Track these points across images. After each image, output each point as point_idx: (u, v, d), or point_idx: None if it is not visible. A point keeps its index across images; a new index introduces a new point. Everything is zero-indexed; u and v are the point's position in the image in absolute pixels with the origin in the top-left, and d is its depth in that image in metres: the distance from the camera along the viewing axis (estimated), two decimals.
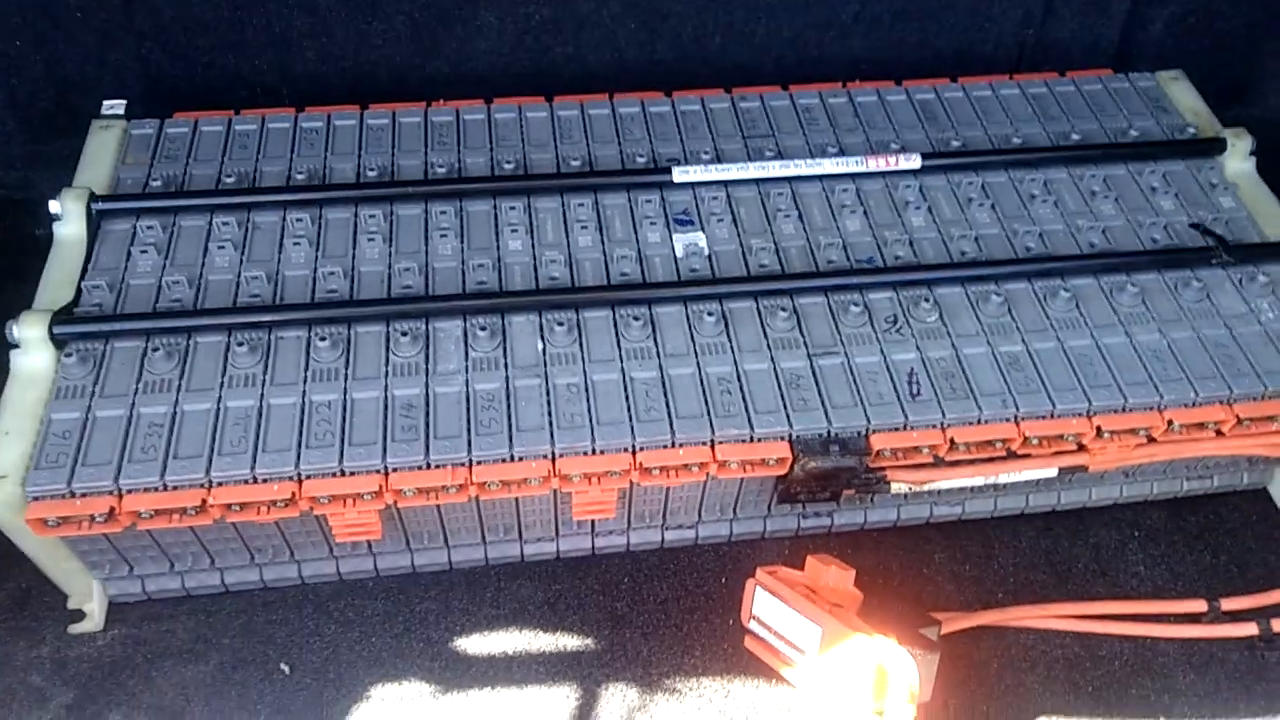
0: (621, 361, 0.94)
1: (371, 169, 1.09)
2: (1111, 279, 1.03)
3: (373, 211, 1.04)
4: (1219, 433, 0.96)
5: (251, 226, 1.03)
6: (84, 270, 0.98)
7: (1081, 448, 0.95)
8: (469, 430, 0.88)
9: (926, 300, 0.99)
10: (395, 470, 0.86)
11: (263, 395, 0.90)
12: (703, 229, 1.06)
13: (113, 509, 0.83)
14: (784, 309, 0.97)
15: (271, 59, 1.31)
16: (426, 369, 0.92)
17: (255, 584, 0.99)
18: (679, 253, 1.03)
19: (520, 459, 0.88)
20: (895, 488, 0.95)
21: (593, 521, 1.00)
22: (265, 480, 0.85)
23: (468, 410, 0.90)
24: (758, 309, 0.99)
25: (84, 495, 0.83)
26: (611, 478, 0.89)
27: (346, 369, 0.92)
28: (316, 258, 1.01)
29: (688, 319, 0.97)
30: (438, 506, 0.92)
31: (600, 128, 1.16)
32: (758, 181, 1.10)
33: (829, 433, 0.91)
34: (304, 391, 0.90)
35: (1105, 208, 1.10)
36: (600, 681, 0.94)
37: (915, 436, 0.91)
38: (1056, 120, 1.20)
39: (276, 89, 1.33)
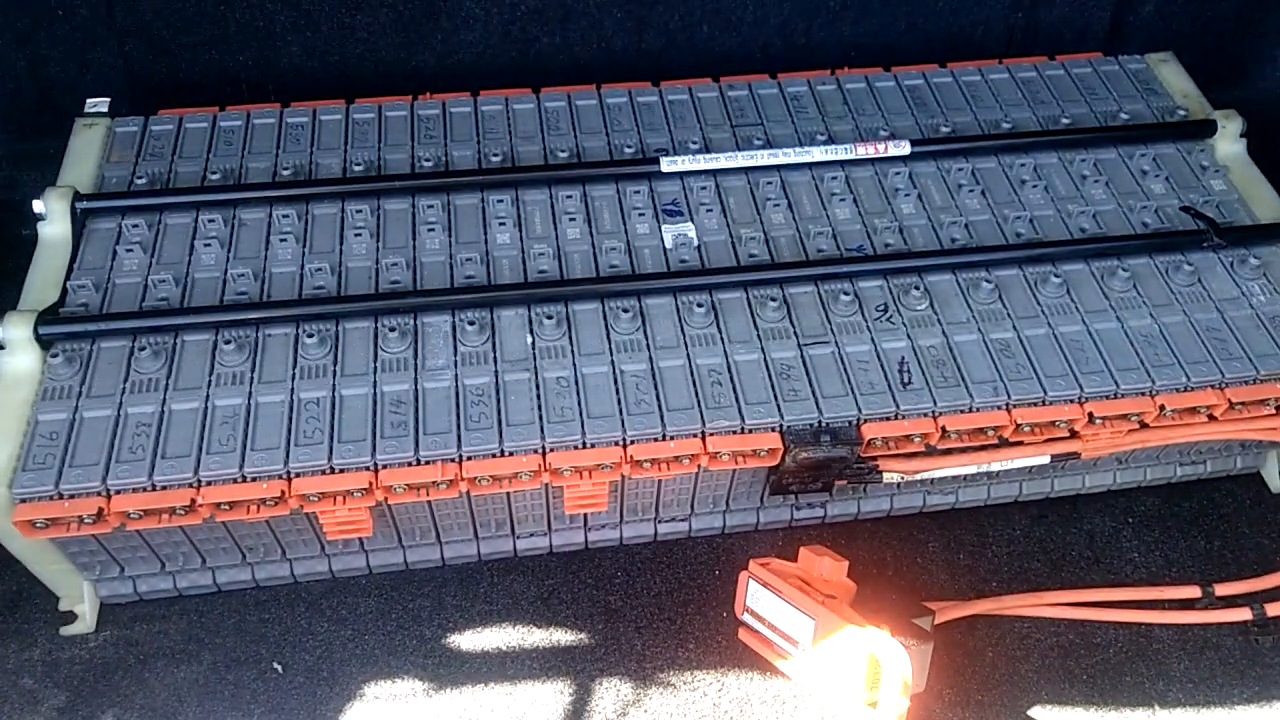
0: (611, 354, 0.93)
1: (358, 164, 1.09)
2: (1102, 264, 1.03)
3: (359, 207, 1.04)
4: (1211, 417, 0.96)
5: (238, 223, 1.03)
6: (69, 270, 0.97)
7: (1074, 434, 0.95)
8: (459, 425, 0.88)
9: (917, 288, 0.98)
10: (385, 467, 0.86)
11: (251, 393, 0.89)
12: (692, 219, 1.05)
13: (101, 510, 0.82)
14: (774, 299, 0.97)
15: (255, 54, 1.30)
16: (415, 364, 0.92)
17: (247, 583, 0.98)
18: (668, 244, 1.03)
19: (511, 454, 0.87)
20: (888, 477, 0.95)
21: (585, 515, 0.99)
22: (254, 479, 0.84)
23: (457, 405, 0.89)
24: (747, 299, 0.98)
25: (72, 496, 0.82)
26: (603, 471, 0.89)
27: (335, 366, 0.91)
28: (303, 254, 1.00)
29: (677, 310, 0.97)
30: (429, 503, 0.92)
31: (588, 119, 1.16)
32: (746, 170, 1.10)
33: (820, 423, 0.90)
34: (292, 389, 0.90)
35: (1096, 192, 1.10)
36: (594, 676, 0.94)
37: (907, 425, 0.91)
38: (1046, 104, 1.20)
39: (261, 84, 1.32)
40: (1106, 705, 0.94)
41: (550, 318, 0.94)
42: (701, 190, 1.07)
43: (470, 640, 0.96)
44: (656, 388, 0.91)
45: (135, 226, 1.01)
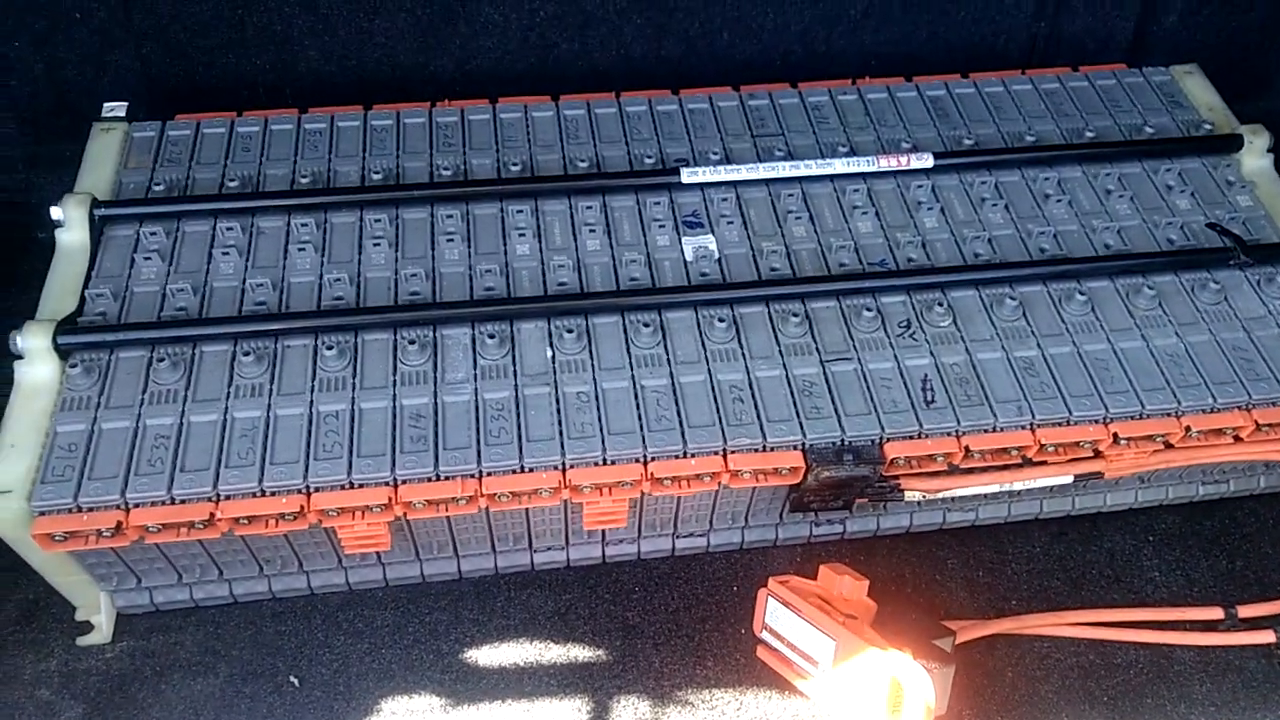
0: (632, 369, 0.93)
1: (376, 171, 1.08)
2: (1127, 281, 1.02)
3: (378, 215, 1.03)
4: (1237, 438, 0.95)
5: (256, 231, 1.02)
6: (87, 278, 0.97)
7: (1098, 454, 0.94)
8: (478, 440, 0.87)
9: (940, 304, 0.98)
10: (404, 482, 0.85)
11: (270, 406, 0.89)
12: (712, 231, 1.04)
13: (120, 523, 0.82)
14: (796, 314, 0.96)
15: (273, 58, 1.29)
16: (435, 378, 0.91)
17: (264, 595, 0.98)
18: (688, 256, 1.02)
19: (530, 470, 0.87)
20: (909, 496, 0.94)
21: (603, 530, 0.99)
22: (273, 493, 0.84)
23: (477, 420, 0.89)
24: (769, 314, 0.97)
25: (90, 510, 0.82)
26: (623, 488, 0.88)
27: (354, 378, 0.91)
28: (322, 263, 1.00)
29: (698, 324, 0.96)
30: (447, 517, 0.91)
31: (607, 127, 1.15)
32: (767, 182, 1.09)
33: (843, 441, 0.89)
34: (311, 401, 0.89)
35: (1120, 207, 1.09)
36: (611, 693, 0.93)
37: (930, 445, 0.90)
38: (1070, 117, 1.18)
39: (279, 88, 1.31)
40: None
41: (570, 331, 0.93)
42: (722, 201, 1.07)
43: (487, 655, 0.96)
44: (677, 403, 0.90)
45: (153, 234, 1.00)
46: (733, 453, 0.88)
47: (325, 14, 1.26)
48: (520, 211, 1.04)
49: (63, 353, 0.90)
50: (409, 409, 0.89)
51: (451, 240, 1.02)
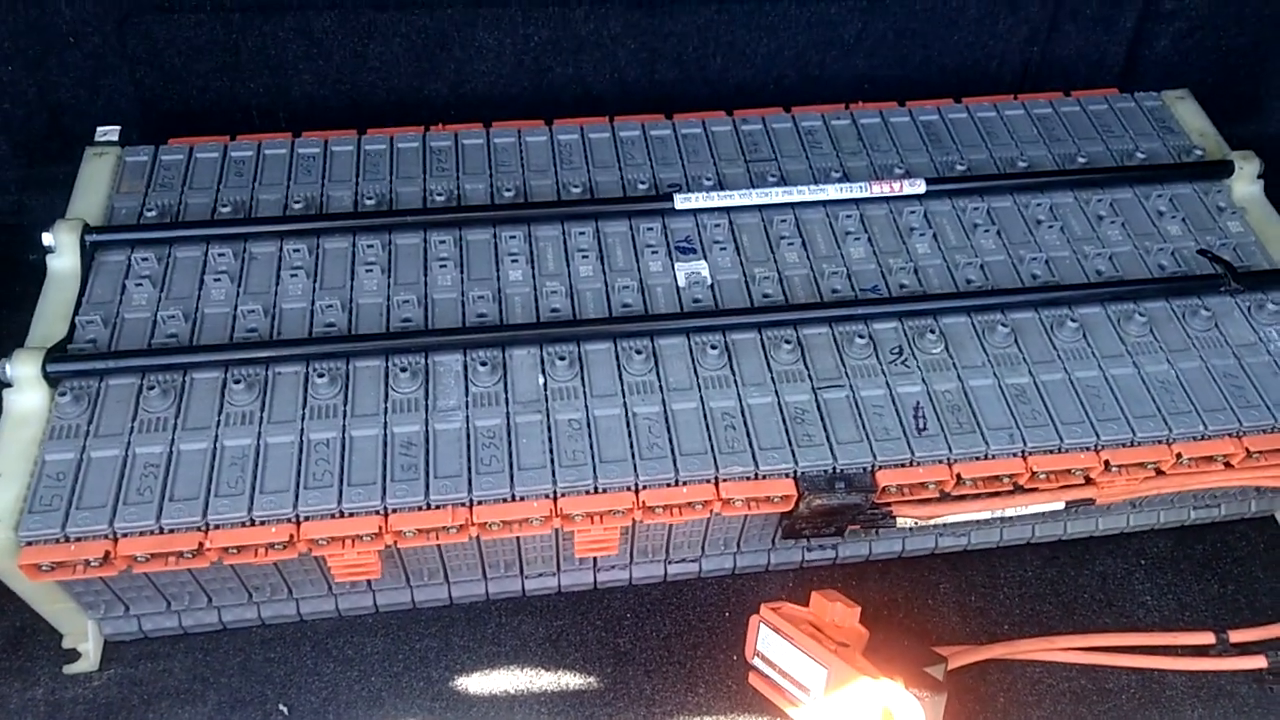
0: (624, 396, 0.93)
1: (369, 197, 1.08)
2: (1119, 308, 1.02)
3: (371, 241, 1.03)
4: (1228, 465, 0.95)
5: (248, 257, 1.02)
6: (78, 305, 0.97)
7: (1089, 481, 0.94)
8: (469, 469, 0.87)
9: (932, 331, 0.98)
10: (395, 511, 0.85)
11: (260, 434, 0.88)
12: (705, 257, 1.05)
13: (108, 553, 0.81)
14: (788, 340, 0.96)
15: (267, 82, 1.29)
16: (426, 405, 0.91)
17: (253, 621, 0.98)
18: (681, 282, 1.02)
19: (521, 499, 0.86)
20: (901, 522, 0.94)
21: (594, 557, 0.98)
22: (263, 522, 0.84)
23: (468, 448, 0.88)
24: (761, 341, 0.97)
25: (78, 539, 0.82)
26: (614, 516, 0.88)
27: (345, 406, 0.91)
28: (314, 290, 1.00)
29: (690, 351, 0.96)
30: (438, 545, 0.91)
31: (601, 152, 1.15)
32: (760, 208, 1.09)
33: (835, 469, 0.89)
34: (302, 430, 0.89)
35: (1112, 233, 1.09)
36: None
37: (922, 473, 0.90)
38: (1062, 142, 1.19)
39: (272, 111, 1.32)
40: None
41: (563, 358, 0.93)
42: (715, 227, 1.07)
43: (478, 683, 0.95)
44: (669, 431, 0.90)
45: (145, 260, 1.00)
46: (725, 481, 0.88)
47: (319, 39, 1.26)
48: (513, 237, 1.04)
49: (52, 380, 0.89)
50: (400, 436, 0.89)
51: (444, 266, 1.02)
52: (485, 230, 1.06)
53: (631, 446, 0.89)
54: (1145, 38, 1.42)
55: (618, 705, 0.94)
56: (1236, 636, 1.00)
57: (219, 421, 0.89)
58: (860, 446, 0.90)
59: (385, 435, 0.89)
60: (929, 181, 1.10)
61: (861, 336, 0.97)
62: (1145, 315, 1.00)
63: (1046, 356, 0.98)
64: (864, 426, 0.92)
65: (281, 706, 0.93)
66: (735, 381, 0.94)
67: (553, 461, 0.88)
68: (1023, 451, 0.92)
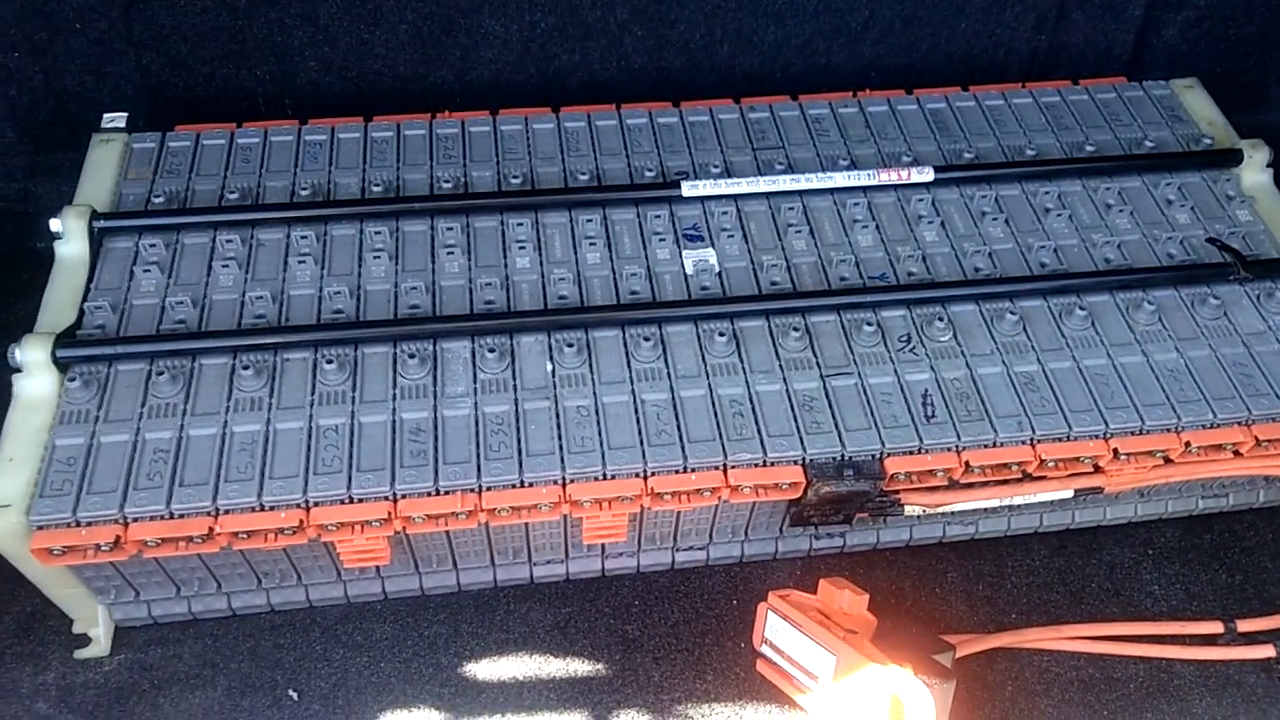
0: (632, 383, 0.93)
1: (376, 184, 1.08)
2: (1128, 296, 1.02)
3: (378, 228, 1.03)
4: (1237, 453, 0.95)
5: (255, 244, 1.02)
6: (86, 291, 0.97)
7: (1098, 469, 0.94)
8: (478, 455, 0.87)
9: (940, 319, 0.98)
10: (404, 497, 0.85)
11: (269, 419, 0.88)
12: (713, 245, 1.04)
13: (118, 538, 0.82)
14: (796, 328, 0.96)
15: (273, 68, 1.29)
16: (434, 391, 0.91)
17: (262, 608, 0.98)
18: (689, 270, 1.02)
19: (530, 485, 0.86)
20: (909, 510, 0.94)
21: (602, 544, 0.99)
22: (273, 508, 0.84)
23: (477, 434, 0.88)
24: (769, 328, 0.97)
25: (89, 524, 0.82)
26: (623, 503, 0.88)
27: (354, 392, 0.91)
28: (322, 276, 1.00)
29: (698, 338, 0.96)
30: (447, 531, 0.91)
31: (608, 140, 1.15)
32: (768, 195, 1.09)
33: (843, 456, 0.89)
34: (311, 415, 0.89)
35: (1120, 221, 1.09)
36: (611, 707, 0.93)
37: (930, 460, 0.90)
38: (1070, 130, 1.19)
39: (279, 99, 1.31)
40: None
41: (570, 345, 0.93)
42: (723, 215, 1.07)
43: (486, 669, 0.95)
44: (677, 418, 0.90)
45: (152, 246, 1.00)
46: (733, 468, 0.88)
47: (325, 25, 1.26)
48: (520, 224, 1.04)
49: (61, 366, 0.90)
50: (409, 423, 0.89)
51: (451, 253, 1.02)
52: (493, 217, 1.06)
53: (640, 433, 0.89)
54: (1153, 26, 1.42)
55: (626, 692, 0.94)
56: (1245, 626, 1.00)
57: (228, 407, 0.89)
58: (869, 434, 0.90)
59: (394, 421, 0.89)
60: (937, 169, 1.10)
61: (870, 324, 0.97)
62: (1154, 304, 1.00)
63: (1055, 344, 0.98)
64: (872, 414, 0.92)
65: (291, 692, 0.93)
66: (743, 369, 0.94)
67: (561, 448, 0.88)
68: (1031, 439, 0.91)
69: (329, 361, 0.91)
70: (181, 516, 0.83)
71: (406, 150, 1.12)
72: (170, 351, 0.92)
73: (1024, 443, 0.91)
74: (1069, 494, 0.95)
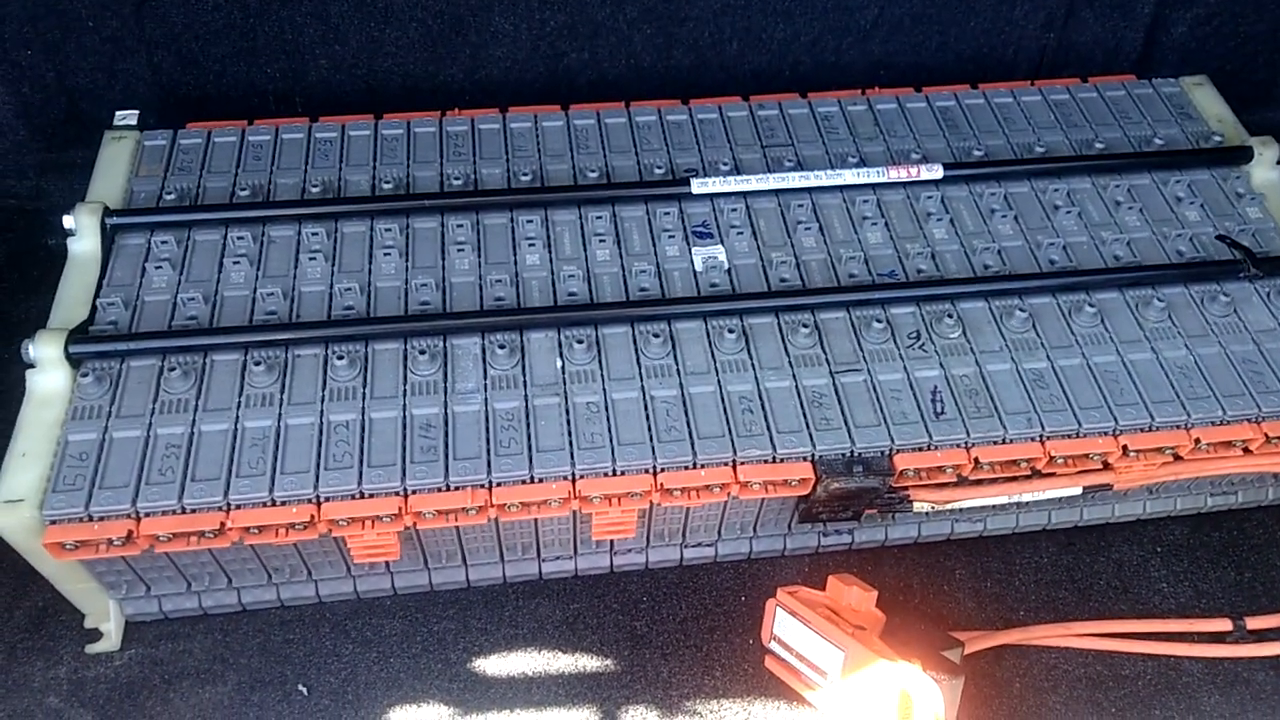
0: (641, 379, 0.93)
1: (387, 181, 1.08)
2: (1137, 293, 1.02)
3: (389, 225, 1.03)
4: (1247, 450, 0.95)
5: (267, 240, 1.03)
6: (99, 287, 0.97)
7: (1107, 466, 0.94)
8: (488, 451, 0.87)
9: (950, 316, 0.98)
10: (414, 492, 0.85)
11: (280, 415, 0.89)
12: (722, 242, 1.05)
13: (130, 532, 0.82)
14: (805, 325, 0.96)
15: (284, 66, 1.30)
16: (445, 388, 0.91)
17: (272, 603, 0.98)
18: (698, 266, 1.02)
19: (540, 480, 0.87)
20: (918, 507, 0.94)
21: (611, 540, 0.99)
22: (284, 503, 0.84)
23: (487, 430, 0.89)
24: (779, 325, 0.97)
25: (101, 519, 0.82)
26: (632, 499, 0.88)
27: (364, 388, 0.91)
28: (332, 273, 1.00)
29: (708, 335, 0.96)
30: (457, 527, 0.91)
31: (617, 137, 1.15)
32: (777, 193, 1.09)
33: (852, 453, 0.89)
34: (322, 411, 0.89)
35: (1130, 219, 1.09)
36: (619, 703, 0.93)
37: (939, 456, 0.90)
38: (1080, 128, 1.19)
39: (289, 96, 1.32)
40: None
41: (580, 341, 0.93)
42: (732, 212, 1.07)
43: (495, 665, 0.96)
44: (687, 414, 0.91)
45: (164, 243, 1.01)
46: (742, 464, 0.88)
47: (336, 23, 1.27)
48: (530, 221, 1.05)
49: (74, 361, 0.90)
50: (419, 419, 0.89)
51: (462, 250, 1.02)
52: (502, 214, 1.06)
53: (649, 429, 0.89)
54: (1163, 23, 1.41)
55: (634, 688, 0.95)
56: (1254, 623, 1.00)
57: (239, 403, 0.89)
58: (878, 430, 0.90)
59: (404, 417, 0.89)
60: (946, 167, 1.10)
61: (879, 321, 0.97)
62: (1164, 301, 1.00)
63: (1064, 341, 0.98)
64: (881, 410, 0.92)
65: (301, 687, 0.94)
66: (753, 365, 0.94)
67: (571, 444, 0.88)
68: (1040, 436, 0.91)
69: (340, 358, 0.91)
70: (193, 511, 0.83)
71: (417, 148, 1.13)
72: (182, 347, 0.92)
73: (1033, 439, 0.91)
74: (1078, 491, 0.95)
